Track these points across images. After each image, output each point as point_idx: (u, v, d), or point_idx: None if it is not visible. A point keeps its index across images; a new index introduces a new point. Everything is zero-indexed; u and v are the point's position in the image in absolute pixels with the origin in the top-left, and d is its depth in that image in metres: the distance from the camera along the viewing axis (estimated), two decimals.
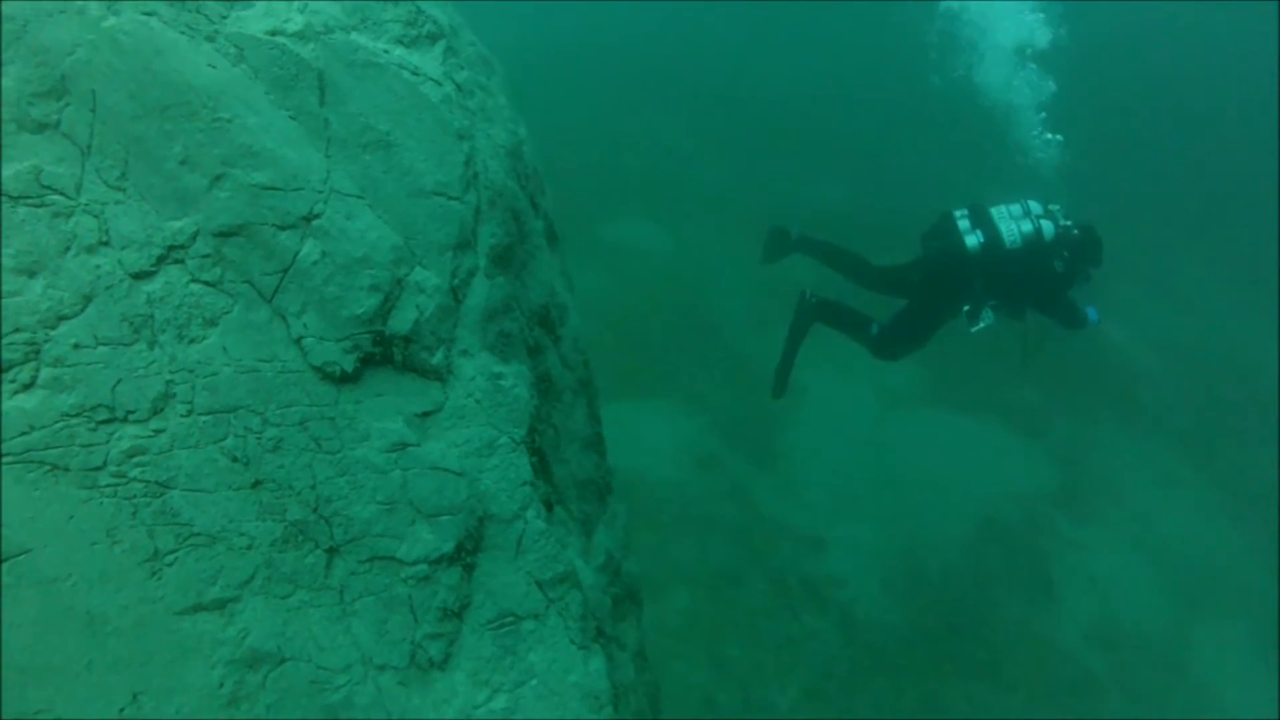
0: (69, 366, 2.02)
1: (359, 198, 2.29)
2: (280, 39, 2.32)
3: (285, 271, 2.17)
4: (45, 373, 2.01)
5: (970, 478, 8.54)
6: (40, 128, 2.13)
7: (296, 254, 2.17)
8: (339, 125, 2.32)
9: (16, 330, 2.01)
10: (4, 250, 2.03)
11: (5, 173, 2.08)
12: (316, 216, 2.21)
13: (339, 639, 2.07)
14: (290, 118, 2.29)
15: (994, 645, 7.14)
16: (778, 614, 6.93)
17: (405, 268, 2.28)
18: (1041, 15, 8.83)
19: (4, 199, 2.06)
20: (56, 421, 1.99)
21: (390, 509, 2.15)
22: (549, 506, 2.49)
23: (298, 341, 2.16)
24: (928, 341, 6.30)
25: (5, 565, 1.91)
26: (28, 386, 1.99)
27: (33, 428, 1.98)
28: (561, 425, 2.90)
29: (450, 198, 2.37)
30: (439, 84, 2.50)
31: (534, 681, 2.22)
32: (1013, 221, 5.80)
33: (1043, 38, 8.64)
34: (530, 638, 2.26)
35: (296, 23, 2.37)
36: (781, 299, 10.37)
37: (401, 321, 2.24)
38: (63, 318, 2.04)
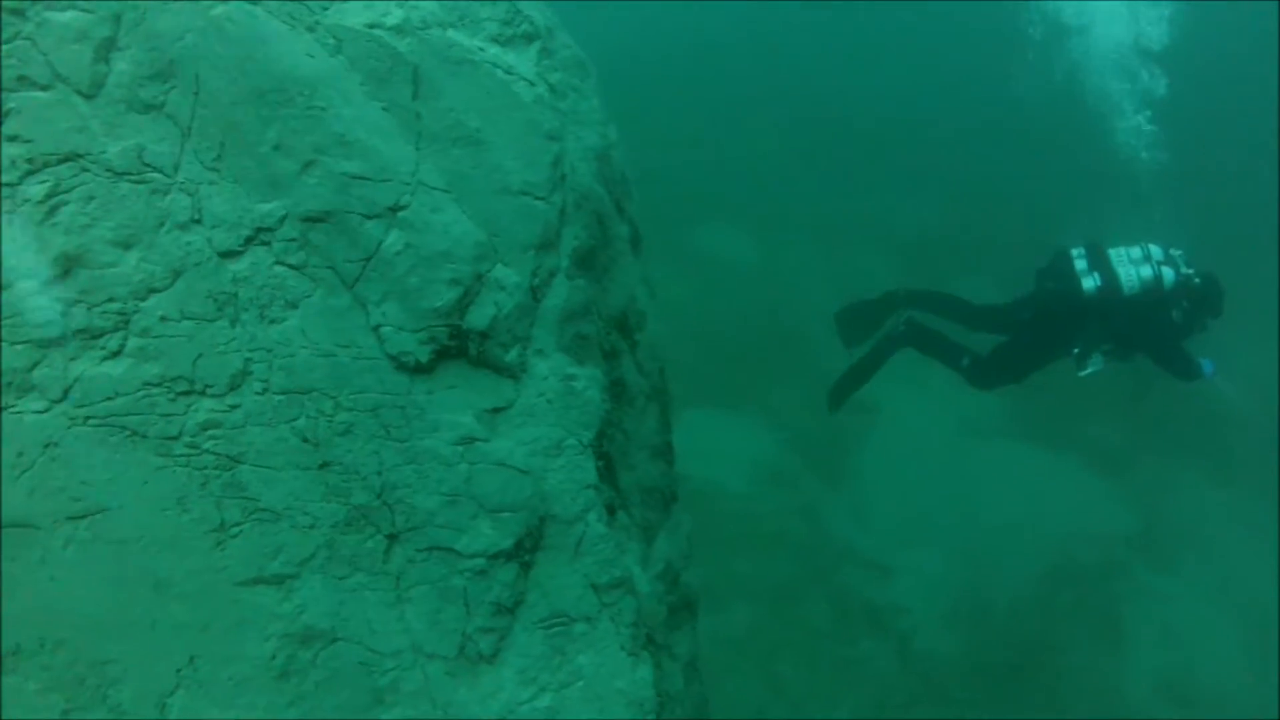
0: (154, 338, 2.09)
1: (446, 192, 2.31)
2: (378, 32, 2.36)
3: (368, 260, 2.21)
4: (132, 342, 2.08)
5: (1045, 514, 8.27)
6: (147, 109, 2.21)
7: (380, 243, 2.21)
8: (430, 120, 2.35)
9: (110, 300, 2.09)
10: (104, 223, 2.11)
11: (111, 149, 2.16)
12: (403, 208, 2.24)
13: (392, 624, 2.09)
14: (383, 110, 2.33)
15: (1055, 689, 6.91)
16: (836, 636, 6.82)
17: (487, 264, 2.29)
18: (1163, 12, 8.48)
19: (107, 174, 2.14)
20: (139, 390, 2.06)
21: (453, 501, 2.17)
22: (611, 511, 2.48)
23: (375, 330, 2.19)
24: (1025, 379, 6.11)
25: (85, 522, 1.99)
26: (115, 354, 2.07)
27: (117, 394, 2.05)
28: (632, 431, 2.88)
29: (536, 198, 2.38)
30: (532, 84, 2.52)
31: (580, 684, 2.22)
32: (1132, 266, 5.57)
33: (1159, 36, 8.32)
34: (581, 640, 2.25)
35: (395, 17, 2.41)
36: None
37: (479, 317, 2.25)
38: (153, 290, 2.12)
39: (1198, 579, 8.12)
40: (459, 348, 2.23)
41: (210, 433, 2.08)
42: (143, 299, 2.11)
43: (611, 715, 2.23)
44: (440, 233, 2.24)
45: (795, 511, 7.81)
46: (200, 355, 2.11)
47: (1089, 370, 5.81)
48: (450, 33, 2.49)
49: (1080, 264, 5.68)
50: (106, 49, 2.18)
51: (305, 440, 2.11)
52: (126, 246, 2.13)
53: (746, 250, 11.45)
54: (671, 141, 13.40)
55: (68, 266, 2.08)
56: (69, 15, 2.16)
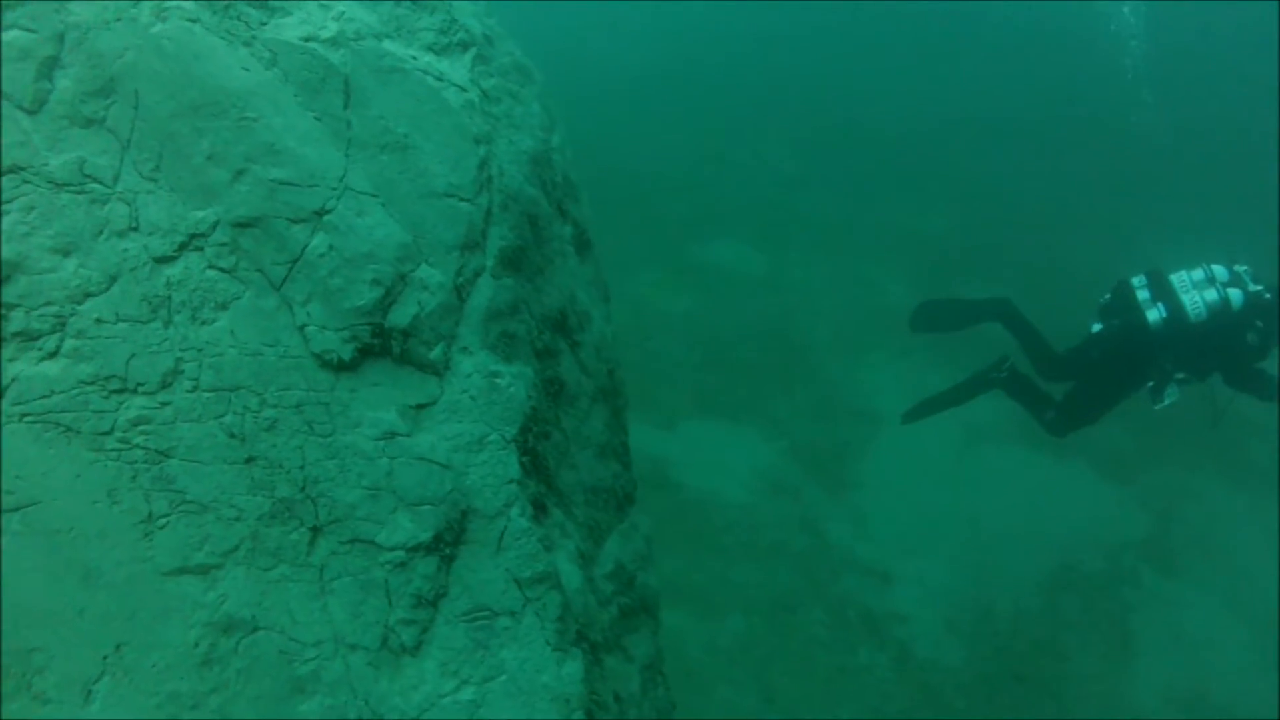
0: (90, 339, 2.18)
1: (373, 196, 2.39)
2: (312, 44, 2.46)
3: (294, 262, 2.29)
4: (69, 343, 2.17)
5: (1052, 521, 8.17)
6: (88, 123, 2.31)
7: (306, 246, 2.29)
8: (360, 127, 2.44)
9: (48, 303, 2.18)
10: (44, 231, 2.21)
11: (53, 162, 2.26)
12: (328, 212, 2.32)
13: (314, 615, 2.15)
14: (315, 119, 2.42)
15: (1061, 698, 6.80)
16: (833, 645, 6.78)
17: (411, 264, 2.37)
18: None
19: (49, 185, 2.25)
20: (74, 388, 2.15)
21: (374, 495, 2.23)
22: (541, 507, 2.53)
23: (301, 329, 2.27)
24: (1100, 420, 6.00)
25: (17, 514, 2.07)
26: (53, 355, 2.16)
27: (53, 392, 2.14)
28: (573, 430, 2.94)
29: (461, 199, 2.46)
30: (463, 90, 2.60)
31: (503, 678, 2.26)
32: (1195, 291, 5.40)
33: None
34: (504, 634, 2.30)
35: (330, 29, 2.51)
36: (871, 329, 10.23)
37: (401, 316, 2.33)
38: (89, 294, 2.21)
39: (1209, 586, 7.96)
40: (382, 346, 2.31)
41: (141, 428, 2.16)
42: (79, 303, 2.21)
43: (537, 711, 2.27)
44: (364, 235, 2.32)
45: (795, 521, 7.79)
46: (133, 355, 2.20)
47: (1165, 403, 5.63)
48: (385, 43, 2.58)
49: (1143, 294, 5.54)
50: (50, 67, 2.29)
51: (232, 435, 2.19)
52: (65, 253, 2.23)
53: (755, 262, 11.48)
54: (684, 154, 13.51)
55: (8, 272, 2.18)
56: (13, 34, 2.27)
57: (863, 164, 13.89)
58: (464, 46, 2.70)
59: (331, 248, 2.29)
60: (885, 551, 7.69)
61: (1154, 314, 5.47)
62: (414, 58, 2.58)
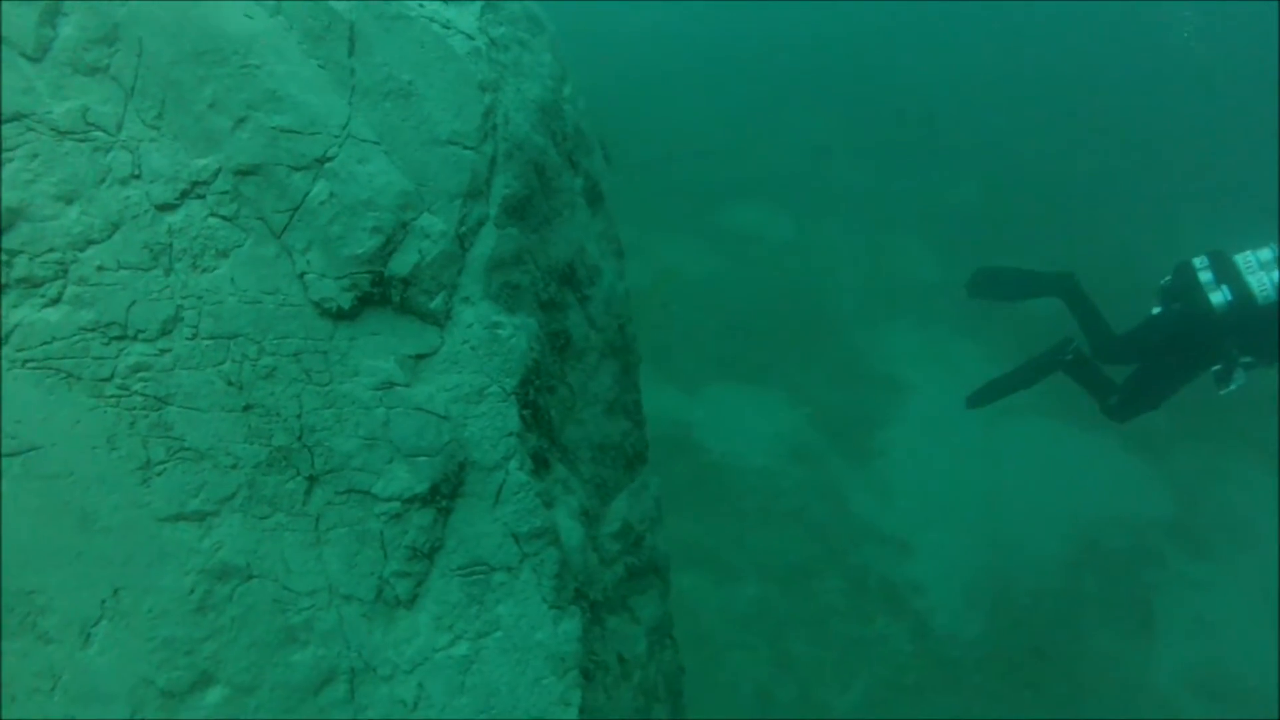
0: (91, 286, 2.18)
1: (375, 144, 2.36)
2: None
3: (295, 210, 2.27)
4: (70, 290, 2.17)
5: (1077, 496, 8.06)
6: (92, 71, 2.29)
7: (307, 194, 2.27)
8: (364, 74, 2.40)
9: (50, 250, 2.18)
10: (46, 179, 2.21)
11: (57, 110, 2.25)
12: (329, 159, 2.29)
13: (309, 564, 2.15)
14: (319, 66, 2.38)
15: (1079, 677, 6.74)
16: (849, 614, 6.76)
17: (412, 212, 2.34)
18: None
19: (52, 133, 2.24)
20: (74, 334, 2.15)
21: (371, 445, 2.22)
22: (543, 462, 2.51)
23: (300, 277, 2.25)
24: (1162, 405, 5.87)
25: (18, 459, 2.09)
26: (54, 301, 2.16)
27: (54, 338, 2.14)
28: (580, 385, 2.91)
29: (465, 147, 2.42)
30: (470, 38, 2.55)
31: (498, 634, 2.26)
32: (1263, 272, 5.24)
33: None
34: (500, 589, 2.29)
35: None
36: (898, 297, 10.11)
37: (401, 264, 2.30)
38: (91, 242, 2.20)
39: (1235, 569, 7.83)
40: (382, 295, 2.29)
41: (140, 375, 2.16)
42: (81, 250, 2.20)
43: (530, 667, 2.26)
44: (364, 183, 2.29)
45: (816, 488, 7.75)
46: (134, 302, 2.19)
47: (1232, 388, 5.48)
48: None
49: (1205, 276, 5.38)
50: (52, 14, 2.27)
51: (230, 383, 2.19)
52: (68, 201, 2.22)
53: (783, 228, 11.36)
54: (719, 121, 13.37)
55: (12, 220, 2.18)
56: None
57: (897, 136, 13.68)
58: None
59: (332, 195, 2.27)
60: (906, 521, 7.64)
61: (1218, 296, 5.31)
62: (420, 5, 2.53)
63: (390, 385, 2.25)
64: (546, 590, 2.32)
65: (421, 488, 2.21)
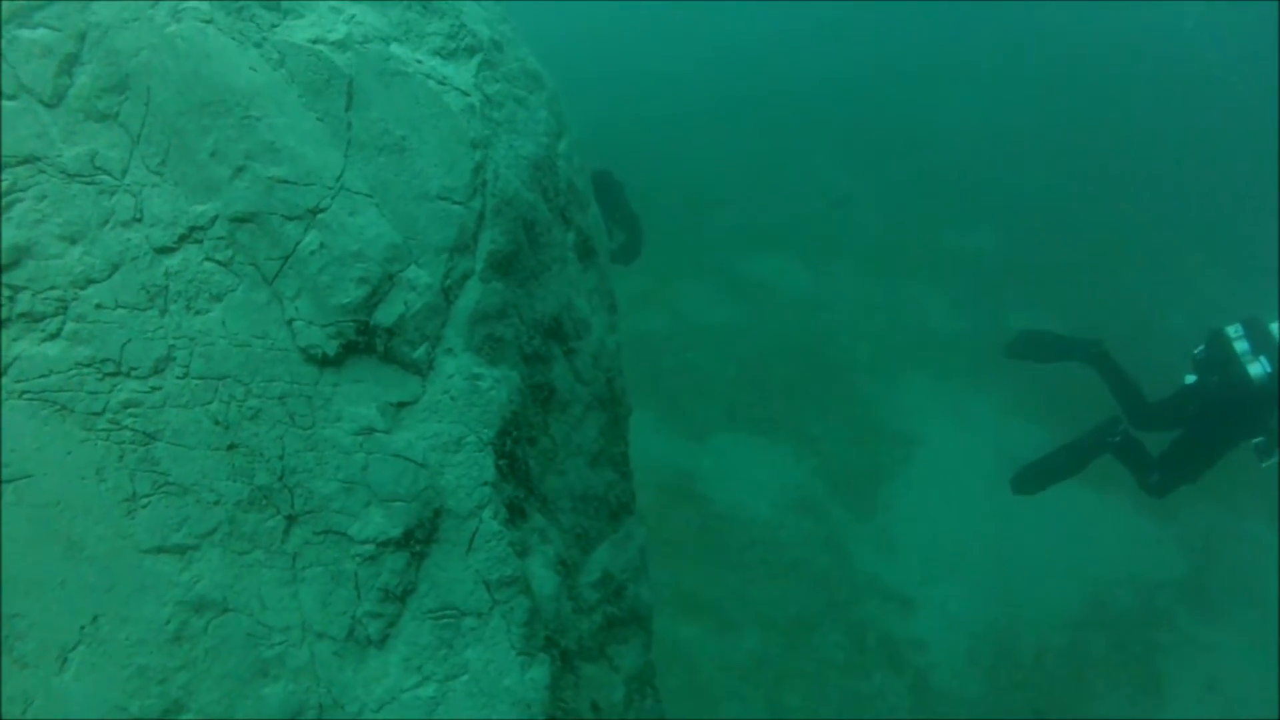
0: (89, 323, 2.27)
1: (368, 196, 2.46)
2: (320, 46, 2.53)
3: (287, 258, 2.36)
4: (69, 326, 2.27)
5: (1085, 555, 7.97)
6: (102, 118, 2.41)
7: (298, 243, 2.36)
8: (360, 128, 2.51)
9: (52, 287, 2.28)
10: (53, 219, 2.32)
11: (67, 154, 2.37)
12: (322, 210, 2.39)
13: (284, 601, 2.21)
14: (317, 119, 2.49)
15: None
16: (849, 669, 6.70)
17: (400, 265, 2.42)
18: None
19: (61, 176, 2.35)
20: (71, 369, 2.24)
21: (349, 488, 2.28)
22: (519, 511, 2.56)
23: (289, 323, 2.34)
24: (1200, 478, 5.78)
25: (10, 486, 2.17)
26: (53, 336, 2.26)
27: (51, 372, 2.24)
28: (563, 437, 2.97)
29: (454, 202, 2.51)
30: (465, 94, 2.66)
31: (465, 677, 2.30)
32: None
33: None
34: (470, 634, 2.33)
35: (339, 32, 2.58)
36: (912, 350, 10.12)
37: (387, 315, 2.38)
38: (91, 281, 2.31)
39: (1247, 632, 7.69)
40: (367, 343, 2.36)
41: (131, 410, 2.24)
42: (82, 288, 2.30)
43: (496, 712, 2.29)
44: (354, 234, 2.38)
45: (820, 541, 7.72)
46: (129, 340, 2.29)
47: (1271, 461, 5.42)
48: (392, 46, 2.65)
49: (1240, 346, 5.32)
50: (70, 64, 2.40)
51: (217, 423, 2.26)
52: (72, 241, 2.33)
53: (799, 279, 11.43)
54: (735, 169, 13.53)
55: (18, 257, 2.29)
56: (40, 33, 2.39)
57: (915, 184, 13.77)
58: (471, 51, 2.76)
59: (323, 245, 2.36)
60: (909, 576, 7.59)
61: (1257, 369, 5.24)
62: (419, 61, 2.64)
63: (371, 431, 2.32)
64: (515, 637, 2.36)
65: (396, 532, 2.27)
